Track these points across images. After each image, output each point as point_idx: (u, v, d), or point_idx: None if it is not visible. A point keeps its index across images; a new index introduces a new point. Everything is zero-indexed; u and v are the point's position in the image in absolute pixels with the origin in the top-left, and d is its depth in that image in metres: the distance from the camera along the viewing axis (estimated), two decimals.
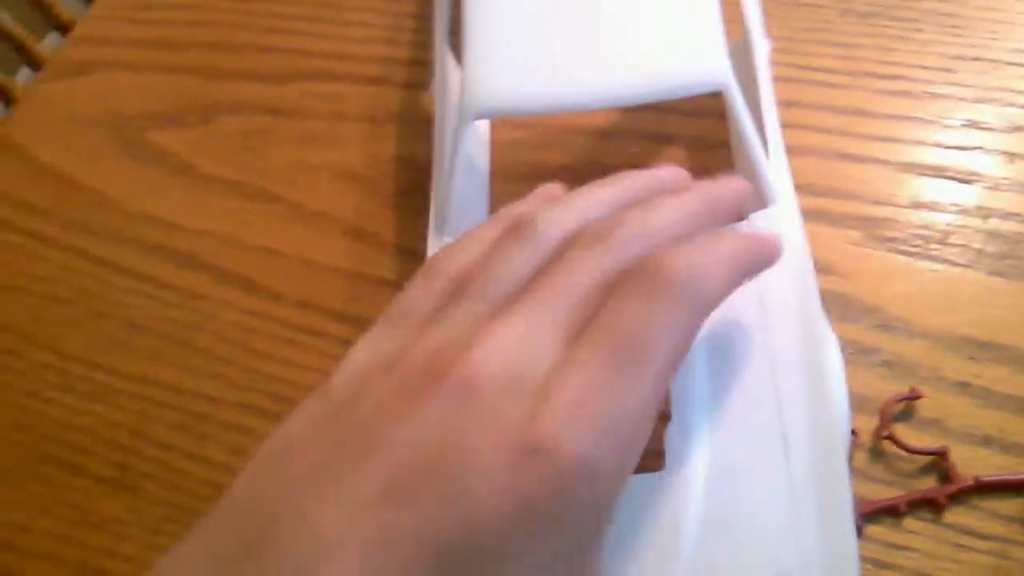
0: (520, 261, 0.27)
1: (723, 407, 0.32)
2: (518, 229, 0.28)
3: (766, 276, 0.33)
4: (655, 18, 0.36)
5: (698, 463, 0.31)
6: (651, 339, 0.24)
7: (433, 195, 0.40)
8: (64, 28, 0.65)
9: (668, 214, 0.28)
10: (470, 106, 0.36)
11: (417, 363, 0.24)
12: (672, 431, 0.32)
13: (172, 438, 0.41)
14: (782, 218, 0.35)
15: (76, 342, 0.44)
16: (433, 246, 0.37)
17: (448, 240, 0.37)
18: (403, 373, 0.24)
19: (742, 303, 0.33)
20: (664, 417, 0.32)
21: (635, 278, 0.26)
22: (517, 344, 0.24)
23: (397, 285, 0.43)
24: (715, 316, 0.33)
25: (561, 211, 0.29)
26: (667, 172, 0.32)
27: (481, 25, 0.37)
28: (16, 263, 0.47)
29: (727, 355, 0.33)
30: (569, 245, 0.27)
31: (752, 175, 0.36)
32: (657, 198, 0.29)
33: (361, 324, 0.42)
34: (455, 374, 0.23)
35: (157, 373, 0.43)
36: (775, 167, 0.36)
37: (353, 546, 0.21)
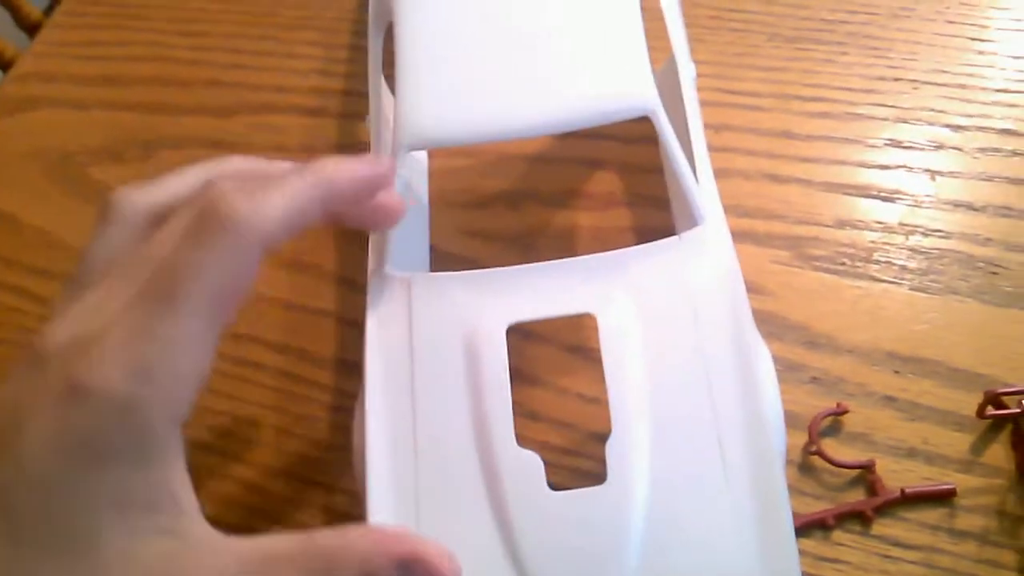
0: (109, 239, 0.30)
1: (662, 422, 0.33)
2: (104, 211, 0.30)
3: (699, 294, 0.34)
4: (582, 47, 0.37)
5: (638, 477, 0.32)
6: (184, 276, 0.26)
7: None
8: (6, 65, 0.65)
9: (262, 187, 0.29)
10: (404, 138, 0.36)
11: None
12: (612, 445, 0.32)
13: None
14: (710, 237, 0.36)
15: None
16: (373, 277, 0.37)
17: (388, 272, 0.37)
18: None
19: (676, 321, 0.34)
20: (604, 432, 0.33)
21: (181, 220, 0.28)
22: (86, 313, 0.27)
23: (337, 316, 0.43)
24: (651, 333, 0.34)
25: (150, 188, 0.31)
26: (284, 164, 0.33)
27: (413, 58, 0.38)
28: None
29: (664, 372, 0.33)
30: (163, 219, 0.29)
31: (681, 196, 0.37)
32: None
33: (300, 355, 0.43)
34: (33, 349, 0.27)
35: None
36: (703, 187, 0.37)
37: None
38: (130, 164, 0.50)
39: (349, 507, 0.39)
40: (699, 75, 0.43)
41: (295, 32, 0.54)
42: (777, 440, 0.32)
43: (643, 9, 0.37)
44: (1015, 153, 0.44)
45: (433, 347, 0.35)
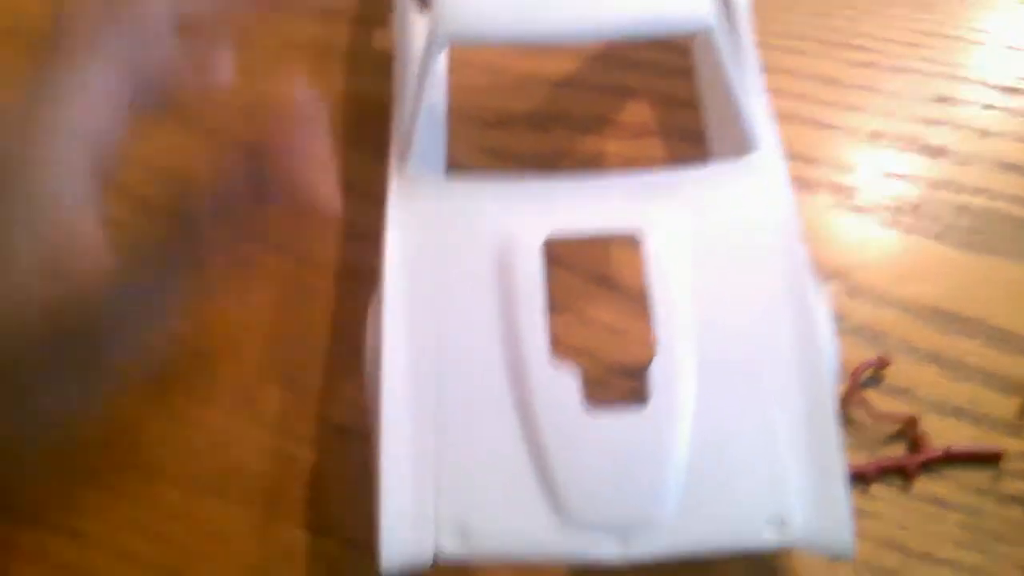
0: None
1: (710, 348, 0.30)
2: None
3: (754, 220, 0.32)
4: None
5: (683, 400, 0.29)
6: None
7: (394, 131, 0.36)
8: None
9: None
10: (443, 30, 0.33)
11: None
12: (656, 367, 0.29)
13: None
14: (767, 163, 0.33)
15: None
16: (397, 176, 0.34)
17: (414, 173, 0.34)
18: None
19: (729, 246, 0.32)
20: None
21: None
22: None
23: (343, 221, 0.40)
24: (701, 257, 0.31)
25: None
26: None
27: None
28: None
29: (714, 297, 0.31)
30: None
31: (734, 120, 0.34)
32: None
33: (300, 258, 0.39)
34: None
35: None
36: (757, 111, 0.35)
37: None
38: None
39: (347, 418, 0.35)
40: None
41: None
42: (831, 370, 0.30)
43: None
44: None
45: (461, 254, 0.32)
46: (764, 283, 0.31)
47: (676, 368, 0.30)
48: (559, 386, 0.29)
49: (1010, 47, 0.44)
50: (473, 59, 0.44)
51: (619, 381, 0.35)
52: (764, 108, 0.36)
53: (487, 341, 0.30)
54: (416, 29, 0.38)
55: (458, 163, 0.40)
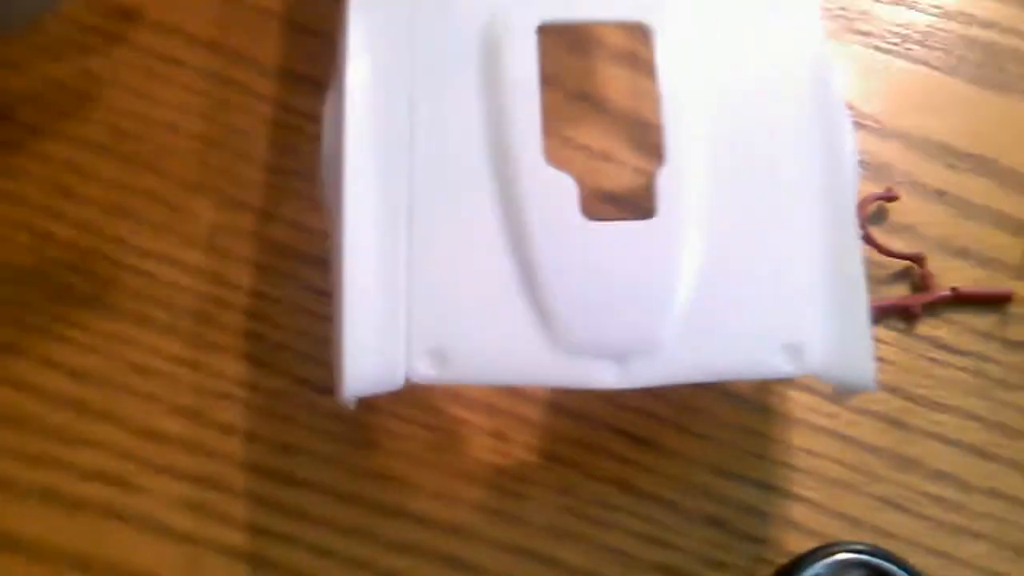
0: None
1: (725, 158, 0.26)
2: None
3: (772, 21, 0.28)
4: None
5: (692, 213, 0.25)
6: None
7: None
8: None
9: None
10: None
11: None
12: (664, 174, 0.26)
13: None
14: None
15: None
16: None
17: None
18: None
19: (745, 43, 0.28)
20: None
21: None
22: None
23: (284, 17, 0.34)
24: (716, 54, 0.27)
25: None
26: None
27: None
28: None
29: (730, 102, 0.27)
30: None
31: None
32: None
33: (234, 57, 0.34)
34: None
35: None
36: None
37: None
38: None
39: (290, 239, 0.31)
40: None
41: None
42: (852, 179, 0.27)
43: None
44: None
45: (442, 38, 0.27)
46: (786, 90, 0.27)
47: (686, 178, 0.26)
48: (554, 193, 0.26)
49: None
50: None
51: (605, 208, 0.31)
52: None
53: (470, 138, 0.26)
54: None
55: None
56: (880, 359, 0.30)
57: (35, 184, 0.31)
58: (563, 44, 0.34)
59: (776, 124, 0.27)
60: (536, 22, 0.27)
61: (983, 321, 0.31)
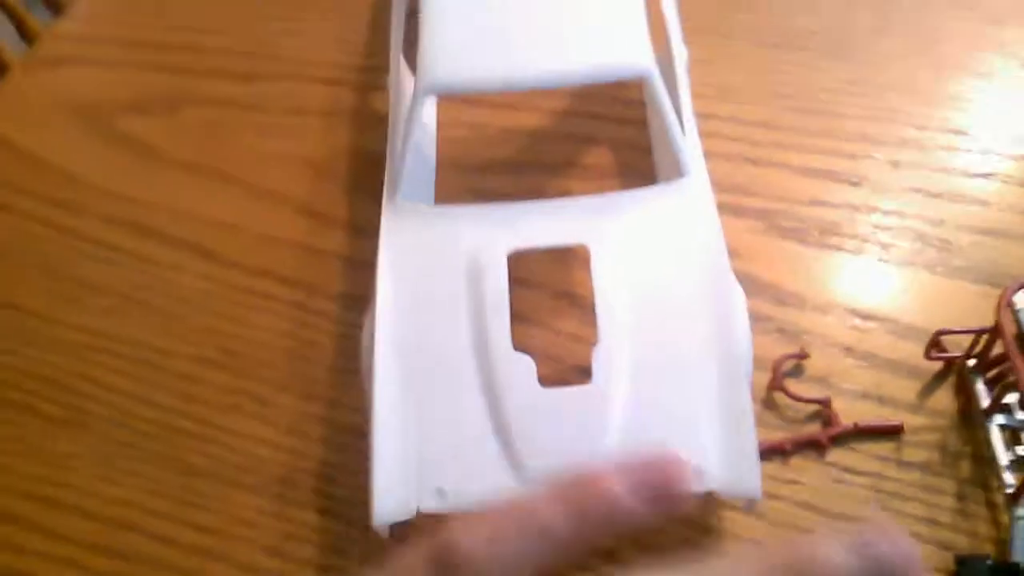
0: None
1: (643, 337, 0.36)
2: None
3: (682, 234, 0.38)
4: (589, 17, 0.41)
5: (619, 378, 0.35)
6: None
7: (387, 167, 0.43)
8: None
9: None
10: (426, 82, 0.40)
11: None
12: (598, 351, 0.36)
13: (125, 384, 0.44)
14: (694, 187, 0.40)
15: (37, 299, 0.47)
16: (388, 204, 0.41)
17: (402, 201, 0.41)
18: None
19: (660, 255, 0.38)
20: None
21: None
22: None
23: (344, 257, 0.47)
24: (637, 264, 0.38)
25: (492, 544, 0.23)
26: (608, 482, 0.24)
27: (436, 19, 0.42)
28: None
29: (647, 296, 0.37)
30: None
31: (669, 150, 0.41)
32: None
33: (310, 289, 0.46)
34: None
35: (112, 328, 0.45)
36: (689, 145, 0.41)
37: None
38: (158, 117, 0.54)
39: (350, 418, 0.42)
40: (691, 70, 0.47)
41: (314, 10, 0.59)
42: (744, 357, 0.36)
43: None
44: (968, 151, 0.48)
45: (440, 268, 0.39)
46: (691, 283, 0.37)
47: (614, 354, 0.36)
48: (518, 370, 0.36)
49: (925, 92, 0.51)
50: (458, 117, 0.51)
51: (579, 379, 0.41)
52: (695, 142, 0.42)
53: (460, 339, 0.37)
54: (406, 87, 0.46)
55: (445, 201, 0.47)
56: (796, 482, 0.39)
57: (162, 390, 0.43)
58: (547, 258, 0.45)
59: (683, 311, 0.37)
60: (506, 251, 0.38)
61: (881, 447, 0.39)
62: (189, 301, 0.46)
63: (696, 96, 0.48)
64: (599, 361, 0.36)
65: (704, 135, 0.48)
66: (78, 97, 0.56)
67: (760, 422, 0.40)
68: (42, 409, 0.43)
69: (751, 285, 0.44)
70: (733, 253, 0.44)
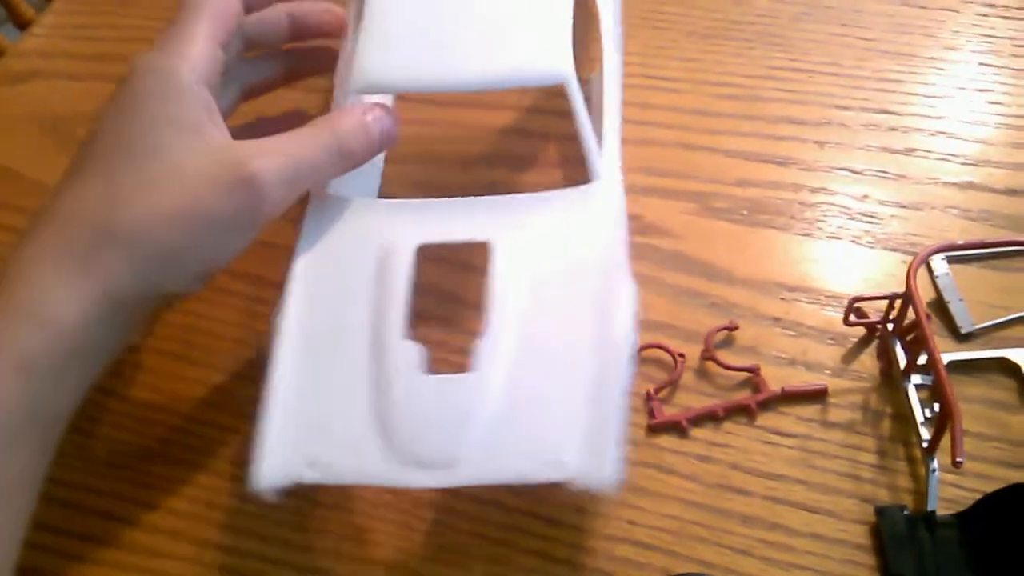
0: None
1: (529, 330, 0.38)
2: None
3: (582, 234, 0.40)
4: (515, 24, 0.43)
5: (498, 370, 0.37)
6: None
7: None
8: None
9: None
10: (357, 81, 0.42)
11: None
12: (482, 343, 0.37)
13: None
14: (602, 191, 0.42)
15: None
16: (313, 197, 0.43)
17: (330, 192, 0.43)
18: None
19: (557, 254, 0.40)
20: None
21: None
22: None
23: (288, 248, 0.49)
24: (534, 262, 0.39)
25: None
26: None
27: (374, 22, 0.44)
28: None
29: (539, 293, 0.39)
30: None
31: (583, 155, 0.43)
32: None
33: (265, 284, 0.48)
34: None
35: None
36: (607, 152, 0.43)
37: None
38: None
39: None
40: (628, 63, 0.49)
41: None
42: (623, 351, 0.37)
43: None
44: (891, 129, 0.51)
45: (353, 257, 0.41)
46: (583, 282, 0.39)
47: (497, 344, 0.37)
48: (406, 357, 0.37)
49: (850, 75, 0.54)
50: (408, 114, 0.53)
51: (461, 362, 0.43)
52: (614, 148, 0.44)
53: (360, 324, 0.39)
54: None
55: (391, 193, 0.49)
56: (728, 445, 0.41)
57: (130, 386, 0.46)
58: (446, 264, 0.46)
59: (570, 308, 0.38)
60: (415, 243, 0.40)
61: (807, 410, 0.42)
62: None
63: (634, 88, 0.50)
64: (482, 351, 0.37)
65: (642, 124, 0.51)
66: (45, 109, 0.58)
67: (694, 390, 0.43)
68: None
69: (684, 263, 0.47)
70: (668, 233, 0.48)
